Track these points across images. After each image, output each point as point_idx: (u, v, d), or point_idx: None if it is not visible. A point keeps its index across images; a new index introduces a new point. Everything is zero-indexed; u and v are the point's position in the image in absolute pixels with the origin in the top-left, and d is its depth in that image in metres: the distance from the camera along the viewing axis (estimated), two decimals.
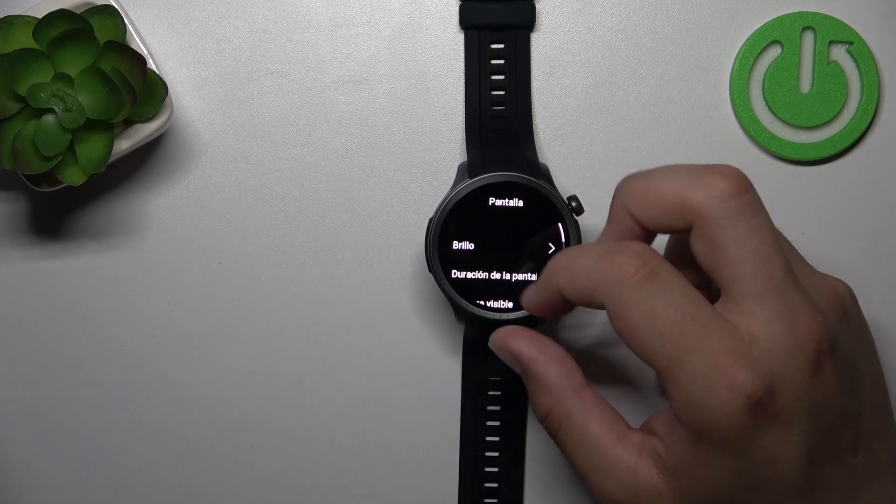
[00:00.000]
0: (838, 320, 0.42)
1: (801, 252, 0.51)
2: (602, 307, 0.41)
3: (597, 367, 0.51)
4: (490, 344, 0.46)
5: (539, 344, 0.44)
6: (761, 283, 0.40)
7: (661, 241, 0.44)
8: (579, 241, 0.47)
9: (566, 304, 0.43)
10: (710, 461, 0.40)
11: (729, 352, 0.39)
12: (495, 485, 0.52)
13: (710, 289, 0.43)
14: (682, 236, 0.43)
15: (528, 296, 0.45)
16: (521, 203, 0.47)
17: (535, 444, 0.52)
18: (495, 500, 0.52)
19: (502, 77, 0.50)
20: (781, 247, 0.41)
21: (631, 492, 0.42)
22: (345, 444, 0.52)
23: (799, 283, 0.41)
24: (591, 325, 0.52)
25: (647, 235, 0.43)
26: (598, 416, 0.43)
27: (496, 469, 0.52)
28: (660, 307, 0.39)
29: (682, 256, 0.43)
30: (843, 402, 0.40)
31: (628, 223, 0.42)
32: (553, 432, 0.44)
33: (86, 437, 0.52)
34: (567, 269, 0.42)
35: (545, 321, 0.49)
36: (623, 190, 0.43)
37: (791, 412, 0.39)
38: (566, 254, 0.43)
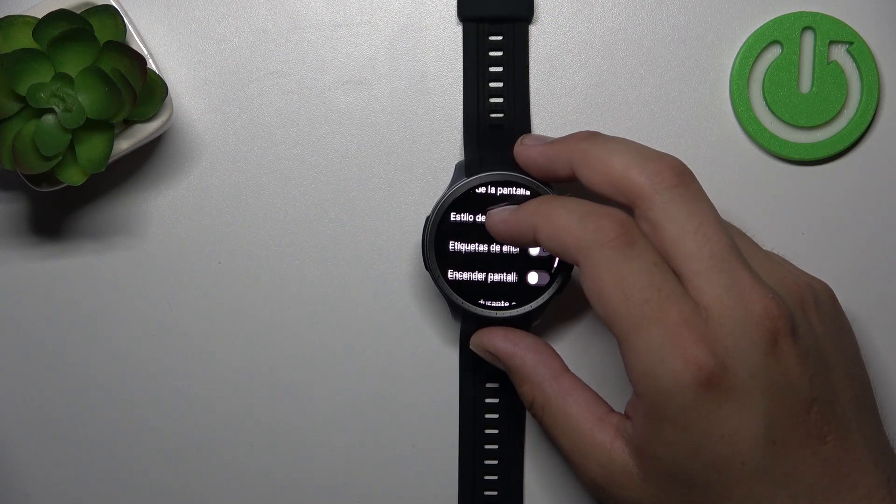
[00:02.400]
0: (801, 308, 0.42)
1: (801, 252, 0.51)
2: (574, 262, 0.42)
3: (588, 357, 0.51)
4: (471, 347, 0.48)
5: (513, 338, 0.47)
6: (705, 259, 0.41)
7: None
8: None
9: (534, 245, 0.44)
10: (667, 438, 0.41)
11: (686, 324, 0.40)
12: (495, 485, 0.52)
13: None
14: None
15: (497, 221, 0.46)
16: (517, 202, 0.47)
17: (535, 443, 0.52)
18: (495, 498, 0.52)
19: (500, 69, 0.50)
20: (725, 229, 0.42)
21: (607, 472, 0.43)
22: (344, 443, 0.52)
23: (746, 263, 0.42)
24: (581, 316, 0.52)
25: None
26: (576, 399, 0.45)
27: (496, 468, 0.52)
28: (631, 273, 0.40)
29: None
30: (808, 386, 0.41)
31: (566, 172, 0.44)
32: (539, 419, 0.45)
33: (86, 436, 0.52)
34: (549, 217, 0.43)
35: (538, 319, 0.49)
36: (579, 147, 0.44)
37: (746, 388, 0.40)
38: (550, 202, 0.44)
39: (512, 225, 0.45)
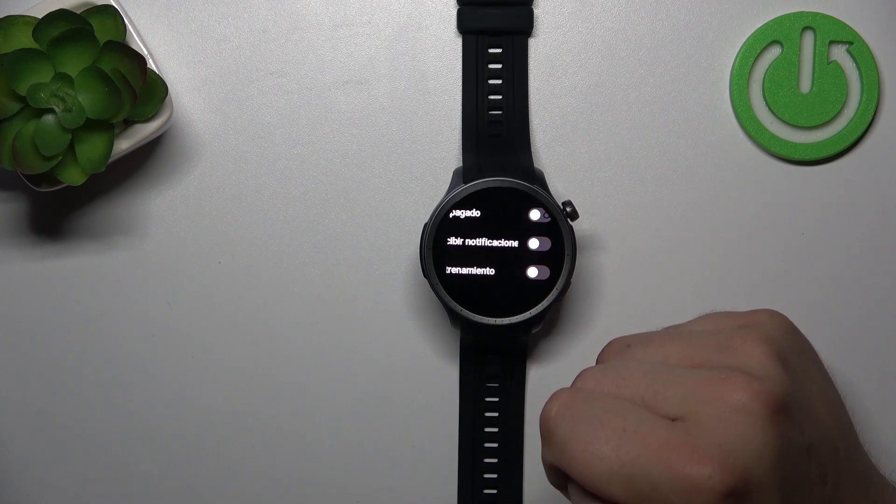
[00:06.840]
0: (763, 360, 0.40)
1: (801, 252, 0.51)
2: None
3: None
4: None
5: None
6: (643, 394, 0.40)
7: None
8: (574, 247, 0.47)
9: None
10: None
11: (671, 445, 0.38)
12: (494, 483, 0.52)
13: None
14: None
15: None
16: (515, 209, 0.47)
17: (534, 447, 0.52)
18: (494, 496, 0.52)
19: (500, 82, 0.50)
20: (627, 365, 0.41)
21: None
22: (344, 444, 0.52)
23: (677, 368, 0.40)
24: (582, 327, 0.52)
25: None
26: None
27: (495, 466, 0.52)
28: (586, 433, 0.39)
29: None
30: (801, 434, 0.39)
31: None
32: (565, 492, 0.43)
33: (86, 437, 0.52)
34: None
35: (538, 327, 0.49)
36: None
37: (759, 473, 0.38)
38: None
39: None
